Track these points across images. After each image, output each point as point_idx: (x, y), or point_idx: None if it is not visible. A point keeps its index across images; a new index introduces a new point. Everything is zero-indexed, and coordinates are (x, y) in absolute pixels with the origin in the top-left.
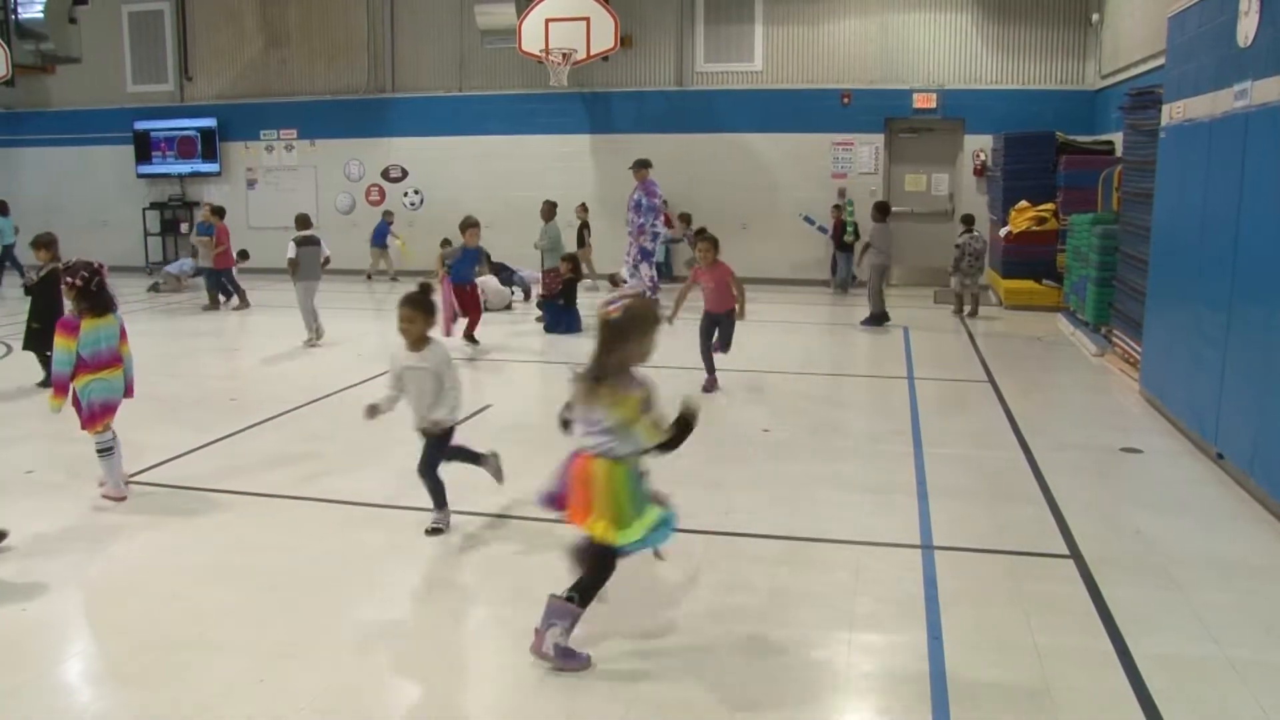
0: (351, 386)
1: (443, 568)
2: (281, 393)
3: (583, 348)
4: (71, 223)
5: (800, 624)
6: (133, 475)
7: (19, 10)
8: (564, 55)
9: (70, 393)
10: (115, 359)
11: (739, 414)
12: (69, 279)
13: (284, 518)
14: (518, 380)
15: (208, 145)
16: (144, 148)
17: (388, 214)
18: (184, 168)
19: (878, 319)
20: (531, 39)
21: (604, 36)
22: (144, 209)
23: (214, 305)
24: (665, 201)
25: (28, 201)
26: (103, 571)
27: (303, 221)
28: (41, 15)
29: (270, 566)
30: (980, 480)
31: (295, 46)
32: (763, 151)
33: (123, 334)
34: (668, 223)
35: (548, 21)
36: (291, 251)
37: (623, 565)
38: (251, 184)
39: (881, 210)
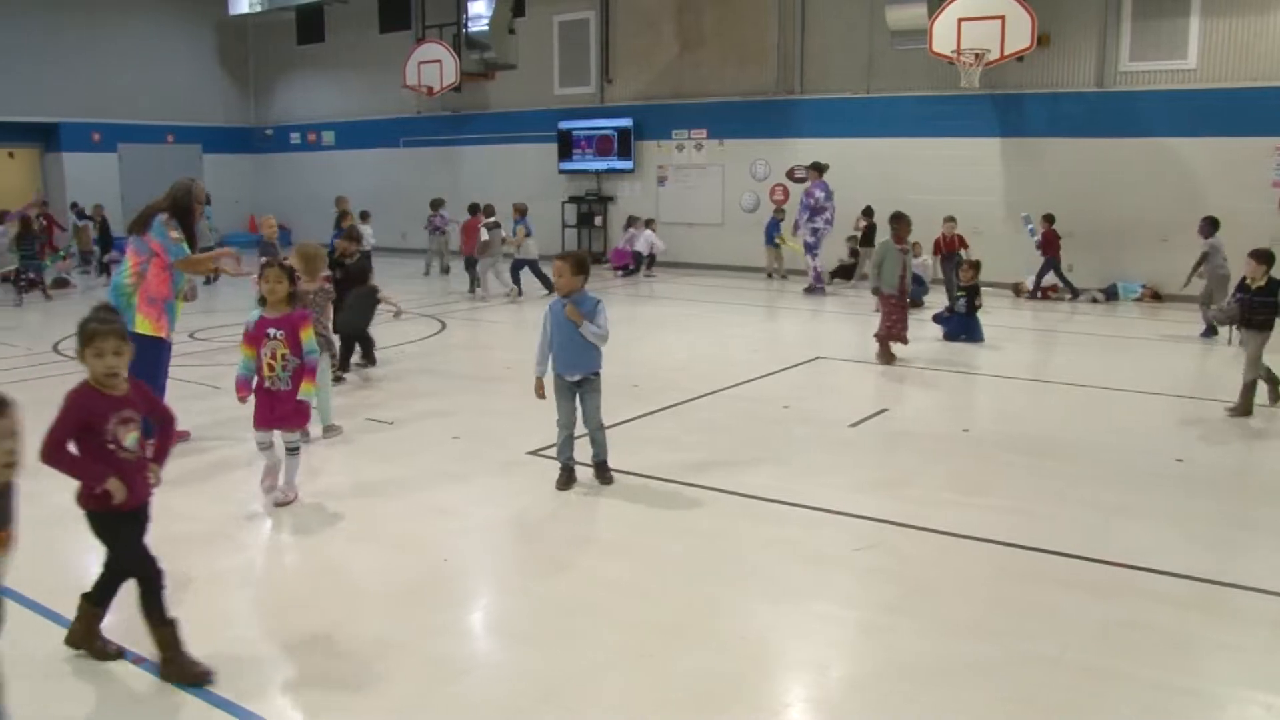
0: (747, 381)
1: (825, 566)
2: (682, 382)
3: (982, 358)
4: (498, 213)
5: (1209, 676)
6: (535, 451)
7: (469, 25)
8: (976, 56)
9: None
10: None
11: (1150, 440)
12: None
13: (673, 502)
14: (915, 387)
15: (623, 144)
16: (566, 146)
17: (778, 211)
18: (601, 165)
19: (1211, 330)
20: (943, 39)
21: (1020, 35)
22: (563, 203)
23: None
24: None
25: (463, 193)
26: (509, 538)
27: (489, 211)
28: (486, 28)
29: (657, 547)
30: None
31: (708, 49)
32: (1190, 157)
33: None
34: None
35: (960, 21)
36: (485, 235)
37: (1007, 592)
38: (662, 181)
39: (1211, 224)
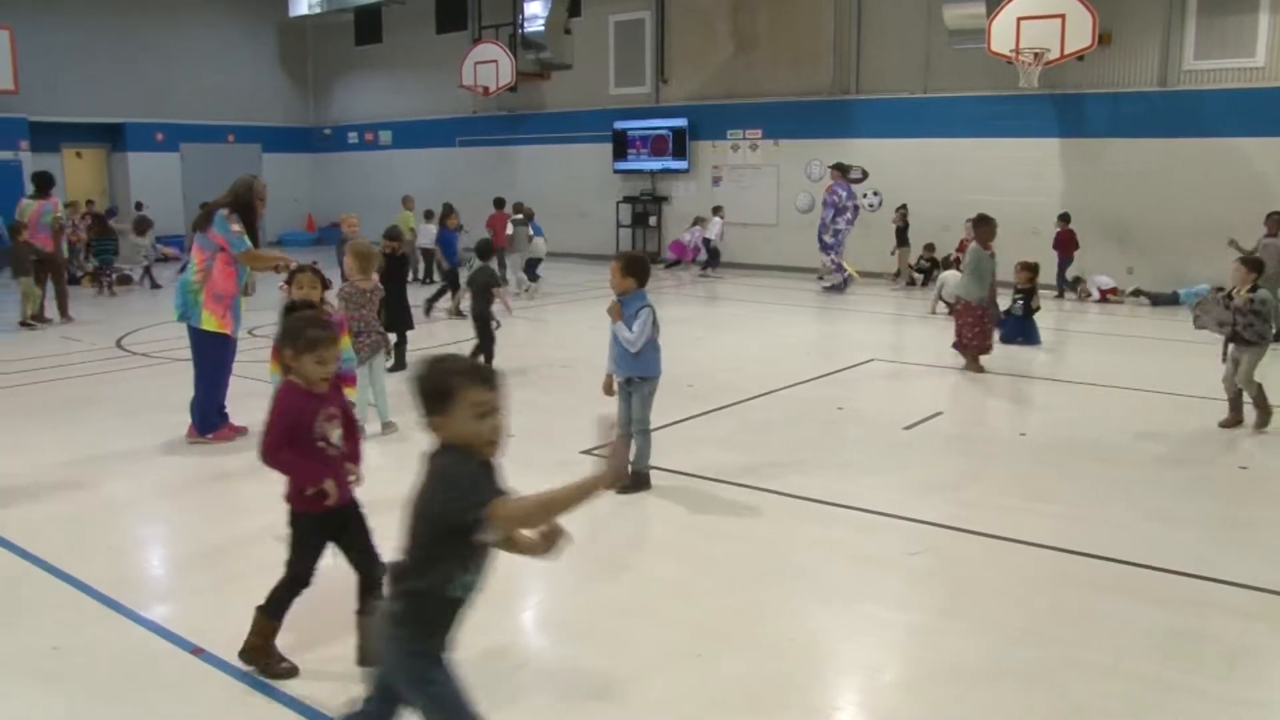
0: (801, 382)
1: (876, 569)
2: (736, 383)
3: (1039, 361)
4: (554, 212)
5: (1272, 687)
6: (589, 450)
7: (525, 25)
8: (1036, 55)
9: None
10: None
11: (1210, 446)
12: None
13: (726, 504)
14: (971, 390)
15: (678, 144)
16: (621, 146)
17: None
18: (655, 164)
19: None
20: (1001, 39)
21: (1080, 34)
22: (617, 202)
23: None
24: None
25: (519, 193)
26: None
27: (516, 208)
28: (542, 28)
29: (709, 548)
30: None
31: (763, 49)
32: (1258, 158)
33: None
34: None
35: (1019, 20)
36: (510, 229)
37: (1061, 598)
38: (716, 181)
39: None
